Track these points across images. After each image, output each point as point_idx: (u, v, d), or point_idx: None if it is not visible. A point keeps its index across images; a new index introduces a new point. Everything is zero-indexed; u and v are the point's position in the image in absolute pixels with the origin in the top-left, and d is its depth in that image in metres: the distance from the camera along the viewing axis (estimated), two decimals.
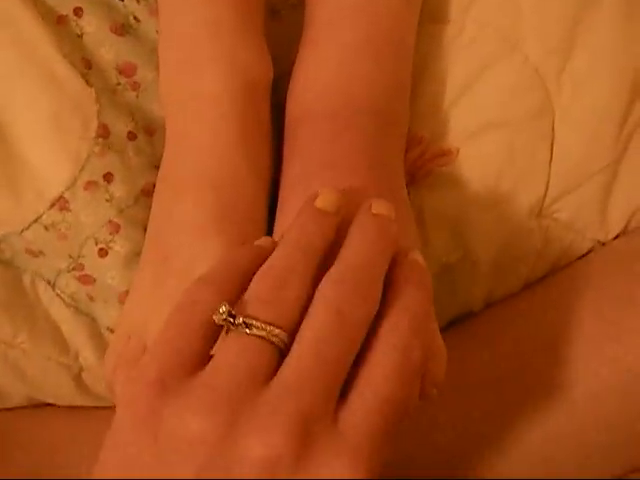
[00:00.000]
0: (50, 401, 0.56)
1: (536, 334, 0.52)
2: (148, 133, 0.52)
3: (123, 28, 0.52)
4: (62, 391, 0.54)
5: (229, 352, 0.33)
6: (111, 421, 0.34)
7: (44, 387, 0.54)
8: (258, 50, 0.48)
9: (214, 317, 0.34)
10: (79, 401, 0.55)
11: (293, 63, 0.50)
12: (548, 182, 0.53)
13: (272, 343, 0.33)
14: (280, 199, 0.47)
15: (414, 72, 0.51)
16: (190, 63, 0.47)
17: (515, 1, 0.52)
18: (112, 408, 0.55)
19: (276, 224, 0.46)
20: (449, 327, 0.55)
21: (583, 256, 0.56)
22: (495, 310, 0.55)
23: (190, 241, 0.45)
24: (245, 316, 0.33)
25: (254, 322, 0.33)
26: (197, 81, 0.47)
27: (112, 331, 0.53)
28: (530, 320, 0.53)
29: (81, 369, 0.54)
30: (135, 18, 0.52)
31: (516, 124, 0.52)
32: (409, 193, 0.52)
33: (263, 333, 0.33)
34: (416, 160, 0.52)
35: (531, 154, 0.52)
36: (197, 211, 0.45)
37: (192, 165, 0.46)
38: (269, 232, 0.47)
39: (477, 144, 0.52)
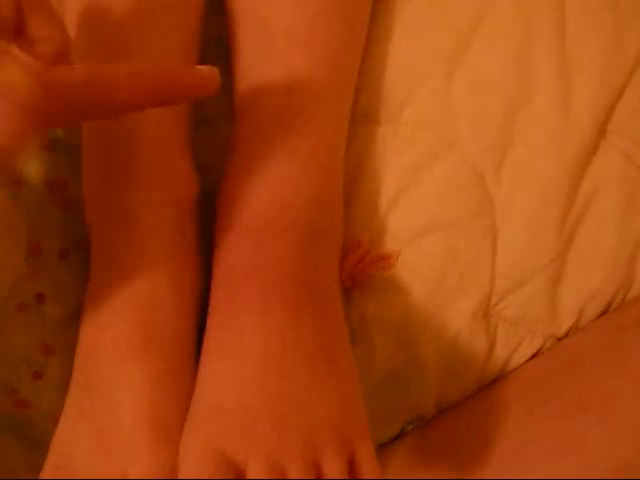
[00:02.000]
0: None
1: (488, 447, 0.51)
2: (82, 250, 0.51)
3: (52, 143, 0.51)
4: None
5: None
6: None
7: None
8: (180, 160, 0.47)
9: None
10: None
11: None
12: (493, 280, 0.51)
13: None
14: (208, 322, 0.45)
15: (348, 174, 0.50)
16: (110, 181, 0.46)
17: (448, 102, 0.51)
18: None
19: (204, 343, 0.44)
20: (402, 436, 0.53)
21: (535, 354, 0.54)
22: (448, 419, 0.54)
23: (112, 368, 0.43)
24: None
25: None
26: (119, 198, 0.46)
27: None
28: (482, 431, 0.52)
29: None
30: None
31: (457, 224, 0.51)
32: (352, 299, 0.51)
33: None
34: (356, 265, 0.51)
35: (474, 253, 0.51)
36: (120, 336, 0.43)
37: (116, 288, 0.45)
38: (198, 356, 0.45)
39: (417, 246, 0.51)
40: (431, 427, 0.54)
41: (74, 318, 0.49)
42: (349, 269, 0.50)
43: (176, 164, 0.47)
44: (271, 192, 0.46)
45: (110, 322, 0.44)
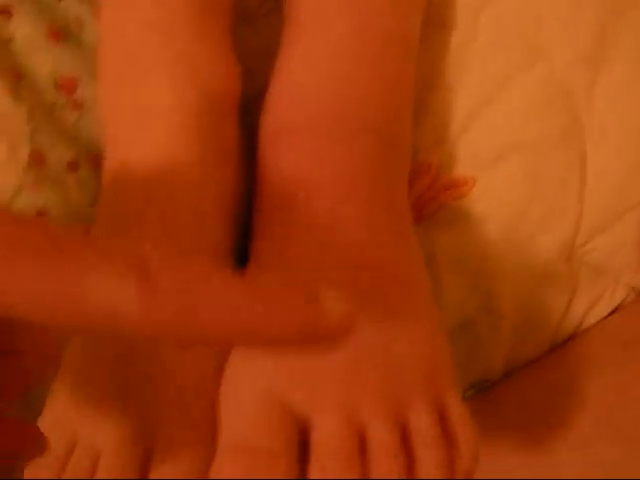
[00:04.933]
0: None
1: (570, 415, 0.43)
2: (93, 164, 0.42)
3: (62, 34, 0.42)
4: None
5: None
6: None
7: None
8: (222, 58, 0.39)
9: None
10: None
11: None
12: (581, 216, 0.44)
13: None
14: (255, 239, 0.37)
15: (418, 86, 0.42)
16: (135, 71, 0.37)
17: (535, 5, 0.44)
18: None
19: (248, 265, 0.36)
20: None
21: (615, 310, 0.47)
22: (515, 383, 0.46)
23: None
24: None
25: None
26: (143, 92, 0.37)
27: None
28: (561, 398, 0.44)
29: None
30: (77, 21, 0.42)
31: (541, 147, 0.43)
32: (416, 232, 0.43)
33: None
34: (424, 192, 0.43)
35: (560, 182, 0.43)
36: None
37: (138, 199, 0.36)
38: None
39: (495, 173, 0.43)
40: (495, 393, 0.45)
41: None
42: (415, 197, 0.42)
43: (214, 53, 0.38)
44: (336, 91, 0.37)
45: (130, 230, 0.35)
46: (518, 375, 0.46)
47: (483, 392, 0.46)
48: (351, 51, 0.38)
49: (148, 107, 0.36)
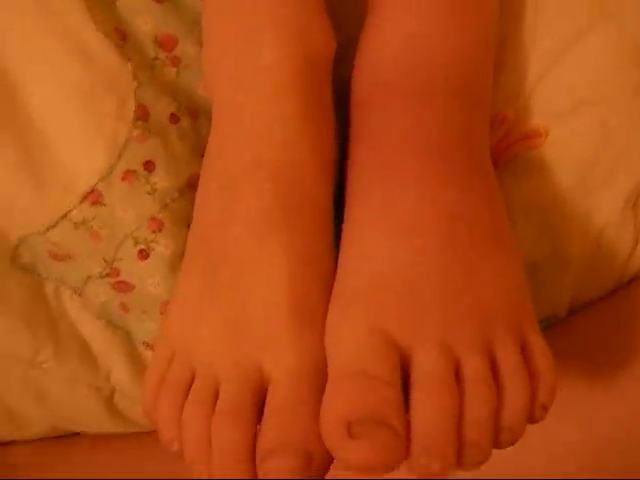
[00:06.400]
0: (77, 429, 0.48)
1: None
2: (192, 116, 0.45)
3: None
4: (91, 417, 0.48)
5: None
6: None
7: (70, 412, 0.47)
8: (318, 14, 0.41)
9: None
10: (111, 427, 0.48)
11: (357, 30, 0.43)
12: None
13: None
14: (351, 188, 0.40)
15: (495, 41, 0.44)
16: (242, 31, 0.40)
17: None
18: (148, 435, 0.48)
19: (347, 213, 0.39)
20: None
21: None
22: (582, 320, 0.49)
23: (244, 242, 0.37)
24: None
25: None
26: (252, 52, 0.39)
27: (150, 347, 0.46)
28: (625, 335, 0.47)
29: (113, 391, 0.47)
30: None
31: (611, 103, 0.45)
32: None
33: None
34: (499, 143, 0.45)
35: (628, 136, 0.46)
36: (252, 205, 0.38)
37: (245, 150, 0.39)
38: (336, 224, 0.40)
39: (569, 125, 0.45)
40: (561, 329, 0.49)
41: (187, 190, 0.44)
42: (491, 148, 0.45)
43: (311, 10, 0.41)
44: (423, 50, 0.40)
45: (237, 188, 0.38)
46: (582, 313, 0.49)
47: (550, 328, 0.49)
48: (440, 14, 0.40)
49: (255, 65, 0.39)
